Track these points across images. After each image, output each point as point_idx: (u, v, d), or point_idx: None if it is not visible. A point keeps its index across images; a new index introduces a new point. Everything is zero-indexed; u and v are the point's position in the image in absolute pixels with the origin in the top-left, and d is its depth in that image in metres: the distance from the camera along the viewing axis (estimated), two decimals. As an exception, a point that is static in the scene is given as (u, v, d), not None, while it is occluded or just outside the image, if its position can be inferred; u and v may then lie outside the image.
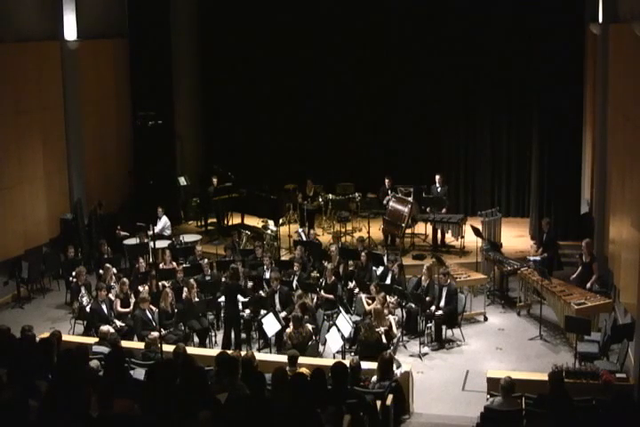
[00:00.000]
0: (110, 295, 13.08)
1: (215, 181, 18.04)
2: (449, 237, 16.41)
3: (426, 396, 10.75)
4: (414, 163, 18.63)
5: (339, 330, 11.30)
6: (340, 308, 12.41)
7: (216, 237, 17.42)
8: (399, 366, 10.05)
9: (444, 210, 16.51)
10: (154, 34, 18.11)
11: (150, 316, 12.26)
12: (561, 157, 15.90)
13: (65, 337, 10.81)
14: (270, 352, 11.90)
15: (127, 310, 12.97)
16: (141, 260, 14.35)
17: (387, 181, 16.99)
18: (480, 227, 15.26)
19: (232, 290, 12.59)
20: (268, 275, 13.53)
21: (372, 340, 11.34)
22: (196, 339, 12.60)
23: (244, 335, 12.73)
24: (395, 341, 11.80)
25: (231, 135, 19.78)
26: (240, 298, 12.83)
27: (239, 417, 7.01)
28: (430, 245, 16.52)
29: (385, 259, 14.10)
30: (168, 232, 16.52)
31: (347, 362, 9.24)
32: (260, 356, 10.16)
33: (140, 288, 13.17)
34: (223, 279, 13.17)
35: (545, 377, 8.84)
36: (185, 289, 12.91)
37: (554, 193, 16.14)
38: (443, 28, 18.11)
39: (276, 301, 12.81)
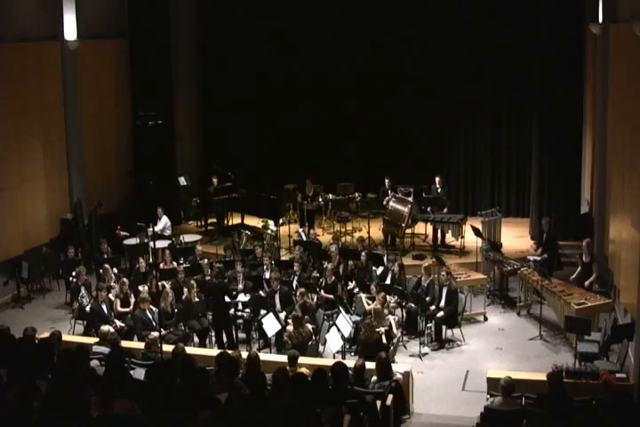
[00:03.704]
0: (110, 295, 13.08)
1: (215, 181, 18.05)
2: (449, 237, 16.41)
3: (426, 396, 10.75)
4: (414, 163, 18.63)
5: (339, 330, 11.29)
6: (340, 308, 12.41)
7: (216, 237, 17.42)
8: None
9: (445, 210, 16.53)
10: (154, 34, 18.10)
11: (150, 316, 12.26)
12: (561, 157, 15.91)
13: (65, 337, 10.82)
14: (270, 352, 11.90)
15: (127, 309, 12.98)
16: (141, 260, 14.35)
17: (387, 181, 16.99)
18: (480, 227, 15.26)
19: (218, 290, 12.58)
20: (267, 275, 13.53)
21: (372, 340, 11.34)
22: (195, 339, 12.59)
23: (243, 335, 12.74)
24: (395, 341, 11.80)
25: (231, 135, 19.78)
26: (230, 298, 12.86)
27: (239, 417, 7.01)
28: (430, 245, 16.52)
29: (385, 259, 14.10)
30: (168, 232, 16.52)
31: (347, 362, 9.24)
32: (259, 356, 10.15)
33: (140, 288, 13.17)
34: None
35: (545, 377, 8.83)
36: (185, 289, 12.91)
37: (554, 193, 16.15)
38: (442, 28, 18.09)
39: (276, 301, 12.82)
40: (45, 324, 13.51)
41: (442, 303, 12.74)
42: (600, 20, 14.47)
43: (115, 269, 14.15)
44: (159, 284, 13.10)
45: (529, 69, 16.69)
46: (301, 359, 9.84)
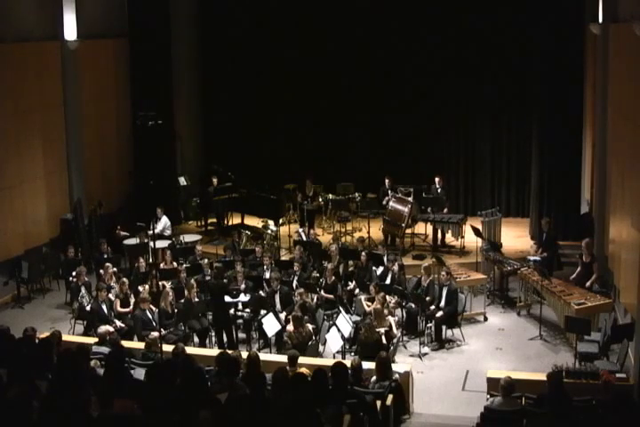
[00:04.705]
0: (110, 295, 13.08)
1: (215, 181, 18.05)
2: (449, 237, 16.41)
3: (426, 396, 10.75)
4: (414, 163, 18.63)
5: (339, 330, 11.30)
6: (340, 308, 12.41)
7: (216, 237, 17.41)
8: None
9: (445, 210, 16.53)
10: (154, 34, 18.10)
11: (150, 316, 12.26)
12: (561, 157, 15.90)
13: (65, 337, 10.81)
14: (270, 352, 11.90)
15: (127, 309, 12.98)
16: (141, 260, 14.34)
17: (387, 181, 17.00)
18: (480, 227, 15.25)
19: (217, 290, 12.58)
20: (267, 275, 13.53)
21: (372, 340, 11.33)
22: (195, 339, 12.59)
23: (243, 335, 12.74)
24: (395, 341, 11.80)
25: (231, 135, 19.78)
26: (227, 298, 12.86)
27: (239, 417, 7.01)
28: (430, 245, 16.52)
29: (385, 259, 14.09)
30: (168, 232, 16.52)
31: (347, 362, 9.24)
32: (259, 356, 10.15)
33: (140, 288, 13.18)
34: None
35: (545, 377, 8.83)
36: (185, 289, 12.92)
37: (554, 193, 16.15)
38: (442, 29, 18.10)
39: (276, 301, 12.82)
40: (45, 324, 13.51)
41: (442, 303, 12.74)
42: (600, 20, 14.47)
43: (115, 269, 14.15)
44: (159, 284, 13.11)
45: (529, 69, 16.69)
46: (301, 359, 9.84)
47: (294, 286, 13.23)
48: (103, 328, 11.26)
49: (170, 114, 18.67)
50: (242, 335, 12.77)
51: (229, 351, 9.69)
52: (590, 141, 15.94)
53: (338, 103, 18.98)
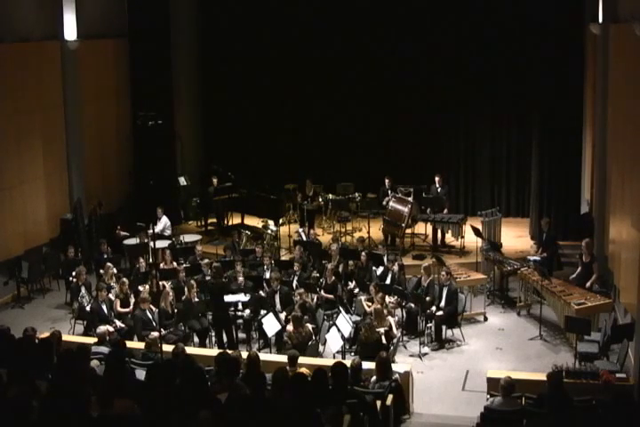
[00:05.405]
0: (110, 295, 13.08)
1: (215, 181, 18.06)
2: (449, 237, 16.41)
3: (426, 396, 10.76)
4: (414, 163, 18.63)
5: (339, 330, 11.30)
6: (340, 308, 12.41)
7: (216, 237, 17.41)
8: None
9: (445, 210, 16.53)
10: (154, 34, 18.09)
11: (150, 316, 12.26)
12: (561, 157, 15.90)
13: (65, 337, 10.81)
14: (270, 352, 11.90)
15: (127, 310, 12.98)
16: (141, 260, 14.34)
17: (387, 181, 17.00)
18: (480, 227, 15.25)
19: (217, 290, 12.58)
20: (268, 275, 13.53)
21: (372, 340, 11.34)
22: (195, 339, 12.59)
23: (243, 335, 12.74)
24: (395, 341, 11.80)
25: (231, 135, 19.78)
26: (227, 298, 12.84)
27: (239, 417, 7.01)
28: (430, 245, 16.52)
29: (385, 259, 14.09)
30: (168, 232, 16.52)
31: (347, 362, 9.24)
32: (259, 356, 10.15)
33: (140, 288, 13.18)
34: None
35: (545, 377, 8.83)
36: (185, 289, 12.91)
37: (554, 193, 16.14)
38: (442, 29, 18.10)
39: (276, 301, 12.82)
40: (45, 324, 13.52)
41: (442, 303, 12.74)
42: (600, 20, 14.47)
43: (115, 269, 14.15)
44: (159, 284, 13.11)
45: (529, 69, 16.68)
46: (301, 359, 9.84)
47: (294, 286, 13.23)
48: (103, 328, 11.26)
49: (170, 114, 18.66)
50: (242, 335, 12.78)
51: (229, 351, 9.69)
52: (590, 141, 15.93)
53: (338, 103, 18.98)
